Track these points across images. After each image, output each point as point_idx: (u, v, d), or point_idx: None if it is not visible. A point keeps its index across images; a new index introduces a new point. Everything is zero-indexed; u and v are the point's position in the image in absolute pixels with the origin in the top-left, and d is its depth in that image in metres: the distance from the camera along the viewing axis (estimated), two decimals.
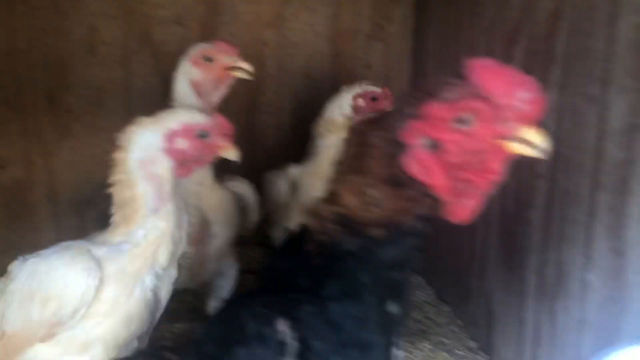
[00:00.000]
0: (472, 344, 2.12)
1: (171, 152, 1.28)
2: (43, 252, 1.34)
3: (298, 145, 2.53)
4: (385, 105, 2.09)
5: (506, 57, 1.87)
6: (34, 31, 2.57)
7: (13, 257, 2.75)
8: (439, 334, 2.20)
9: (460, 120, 0.87)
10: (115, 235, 1.30)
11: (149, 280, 1.30)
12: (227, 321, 0.98)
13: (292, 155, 2.53)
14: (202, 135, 1.32)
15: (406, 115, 0.89)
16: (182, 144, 1.29)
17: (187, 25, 2.69)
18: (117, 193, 1.30)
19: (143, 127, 1.33)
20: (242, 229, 2.01)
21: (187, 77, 1.82)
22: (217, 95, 1.82)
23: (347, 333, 0.92)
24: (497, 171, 0.89)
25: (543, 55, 1.65)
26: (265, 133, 2.88)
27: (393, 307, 0.97)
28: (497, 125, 0.87)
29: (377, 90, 2.11)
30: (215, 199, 1.84)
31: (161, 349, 1.31)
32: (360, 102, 2.10)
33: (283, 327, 0.91)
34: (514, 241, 1.83)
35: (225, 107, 2.79)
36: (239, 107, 2.82)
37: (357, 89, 2.12)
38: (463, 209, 0.90)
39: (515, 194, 1.81)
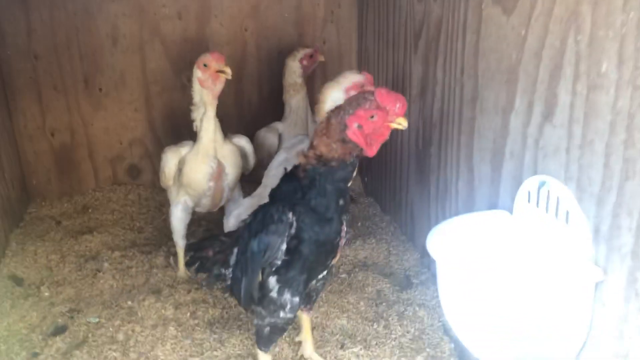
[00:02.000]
0: (403, 237, 3.14)
1: None
2: None
3: (274, 105, 3.45)
4: (318, 58, 3.09)
5: (414, 48, 2.79)
6: (71, 31, 3.38)
7: (68, 202, 3.67)
8: (381, 234, 3.22)
9: (371, 116, 1.76)
10: None
11: None
12: (263, 213, 1.87)
13: (270, 113, 3.44)
14: (362, 86, 2.33)
15: (349, 113, 1.77)
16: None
17: (186, 19, 3.51)
18: None
19: (331, 87, 2.29)
20: (244, 170, 2.90)
21: (195, 75, 2.58)
22: (217, 88, 2.56)
23: (321, 214, 1.85)
24: (386, 136, 1.82)
25: (440, 50, 2.58)
26: (250, 97, 3.77)
27: (341, 201, 1.88)
28: (387, 118, 1.78)
29: (309, 50, 3.04)
30: (226, 150, 2.67)
31: (218, 235, 2.26)
32: (304, 62, 3.01)
33: (290, 215, 1.82)
34: (424, 167, 2.81)
35: None
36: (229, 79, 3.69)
37: (298, 54, 3.02)
38: (372, 150, 1.82)
39: (423, 138, 2.78)
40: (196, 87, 2.59)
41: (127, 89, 3.57)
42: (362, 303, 2.60)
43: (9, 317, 2.54)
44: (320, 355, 2.26)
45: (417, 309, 2.55)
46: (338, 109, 1.79)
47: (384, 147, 3.37)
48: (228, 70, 2.50)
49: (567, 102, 1.65)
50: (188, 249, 2.29)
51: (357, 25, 3.71)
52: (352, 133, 1.75)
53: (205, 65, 2.53)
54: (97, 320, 2.51)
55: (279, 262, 1.80)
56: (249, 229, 1.89)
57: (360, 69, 3.63)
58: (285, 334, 2.38)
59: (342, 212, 1.88)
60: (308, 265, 1.86)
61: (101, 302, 2.65)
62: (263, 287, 1.89)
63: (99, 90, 3.53)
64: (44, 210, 3.59)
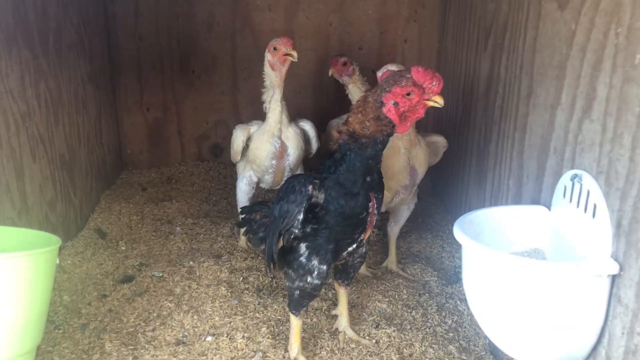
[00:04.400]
0: None
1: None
2: None
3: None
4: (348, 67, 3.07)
5: (484, 46, 2.81)
6: (172, 16, 3.72)
7: (155, 172, 3.98)
8: (438, 231, 3.26)
9: (407, 94, 1.85)
10: None
11: None
12: (289, 184, 2.00)
13: (346, 106, 3.54)
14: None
15: (385, 90, 1.88)
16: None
17: (275, 12, 3.74)
18: None
19: None
20: (307, 153, 3.04)
21: (266, 58, 2.78)
22: (283, 70, 2.74)
23: (347, 188, 1.95)
24: (421, 113, 1.89)
25: (505, 47, 2.60)
26: (329, 89, 3.93)
27: (368, 178, 1.95)
28: (423, 96, 1.86)
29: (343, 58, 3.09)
30: (290, 132, 2.83)
31: (266, 202, 2.44)
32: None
33: (310, 187, 1.91)
34: (482, 165, 2.81)
35: (302, 71, 3.88)
36: (311, 70, 3.88)
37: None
38: (404, 127, 1.91)
39: (484, 136, 2.79)
40: (267, 70, 2.78)
41: (217, 73, 3.85)
42: (405, 291, 2.66)
43: (88, 263, 2.86)
44: (354, 331, 2.35)
45: (458, 302, 2.57)
46: (376, 88, 1.89)
47: (452, 148, 3.44)
48: (294, 53, 2.67)
49: (604, 96, 1.64)
50: (241, 212, 2.49)
51: (439, 25, 3.75)
52: (388, 110, 1.84)
53: (275, 48, 2.71)
54: (160, 274, 2.76)
55: (296, 231, 1.92)
56: (277, 196, 2.04)
57: (439, 69, 3.68)
58: (324, 306, 2.51)
59: (371, 189, 1.96)
60: (334, 235, 1.97)
61: (167, 260, 2.91)
62: (294, 251, 2.02)
63: (192, 72, 3.85)
64: (134, 177, 3.97)
